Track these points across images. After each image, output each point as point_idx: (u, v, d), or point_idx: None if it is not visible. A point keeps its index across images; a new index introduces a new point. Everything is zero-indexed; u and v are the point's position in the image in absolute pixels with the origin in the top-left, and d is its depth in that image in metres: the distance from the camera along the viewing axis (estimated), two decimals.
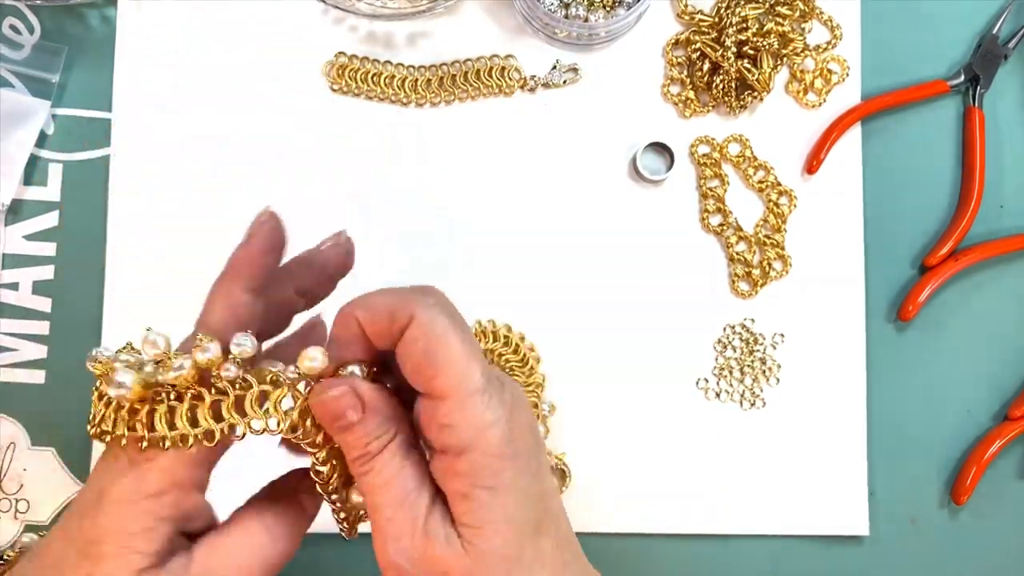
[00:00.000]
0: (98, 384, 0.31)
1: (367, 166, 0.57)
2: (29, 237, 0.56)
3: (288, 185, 0.57)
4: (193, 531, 0.32)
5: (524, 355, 0.56)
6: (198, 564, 0.31)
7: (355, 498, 0.32)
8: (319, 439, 0.31)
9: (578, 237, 0.58)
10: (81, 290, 0.56)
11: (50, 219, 0.57)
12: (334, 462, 0.31)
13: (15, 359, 0.56)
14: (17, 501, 0.55)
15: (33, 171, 0.57)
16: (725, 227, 0.58)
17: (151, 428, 0.30)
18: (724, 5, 0.58)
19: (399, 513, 0.30)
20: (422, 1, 0.56)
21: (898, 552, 0.58)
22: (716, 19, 0.58)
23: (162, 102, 0.57)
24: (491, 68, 0.58)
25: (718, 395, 0.57)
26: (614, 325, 0.57)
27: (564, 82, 0.58)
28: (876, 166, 0.59)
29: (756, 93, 0.58)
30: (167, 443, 0.30)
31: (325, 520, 0.34)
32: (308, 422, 0.30)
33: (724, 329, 0.58)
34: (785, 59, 0.59)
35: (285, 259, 0.35)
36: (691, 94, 0.58)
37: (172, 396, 0.30)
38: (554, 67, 0.58)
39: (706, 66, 0.58)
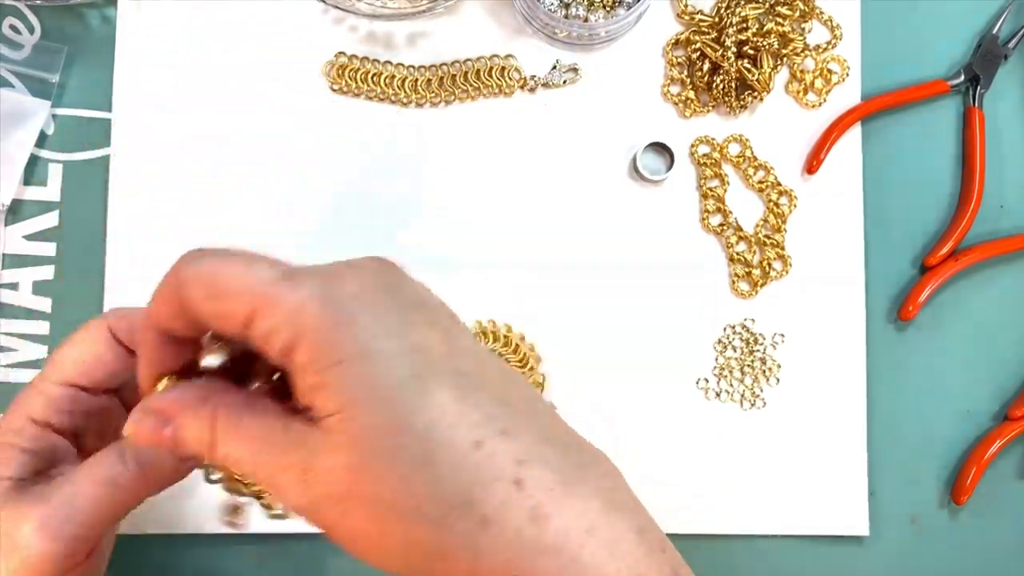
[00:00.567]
0: None
1: (367, 166, 0.57)
2: (29, 237, 0.56)
3: (288, 185, 0.57)
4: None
5: (524, 355, 0.56)
6: (56, 489, 0.35)
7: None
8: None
9: (578, 237, 0.58)
10: (81, 290, 0.56)
11: (50, 219, 0.57)
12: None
13: (15, 359, 0.56)
14: None
15: (33, 171, 0.57)
16: (725, 227, 0.58)
17: None
18: (724, 5, 0.58)
19: (271, 469, 0.27)
20: (422, 1, 0.56)
21: (898, 552, 0.58)
22: (716, 19, 0.58)
23: (162, 102, 0.57)
24: (491, 68, 0.58)
25: (718, 395, 0.57)
26: (614, 325, 0.57)
27: (564, 82, 0.58)
28: (876, 166, 0.59)
29: (756, 93, 0.58)
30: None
31: None
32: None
33: (724, 329, 0.58)
34: (785, 59, 0.59)
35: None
36: (691, 94, 0.58)
37: None
38: (554, 67, 0.58)
39: (706, 66, 0.58)
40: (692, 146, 0.59)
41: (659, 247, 0.58)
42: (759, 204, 0.59)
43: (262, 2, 0.58)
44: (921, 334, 0.59)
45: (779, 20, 0.58)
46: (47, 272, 0.56)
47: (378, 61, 0.58)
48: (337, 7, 0.56)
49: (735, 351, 0.58)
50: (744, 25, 0.57)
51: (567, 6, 0.57)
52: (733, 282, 0.58)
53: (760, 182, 0.59)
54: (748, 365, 0.57)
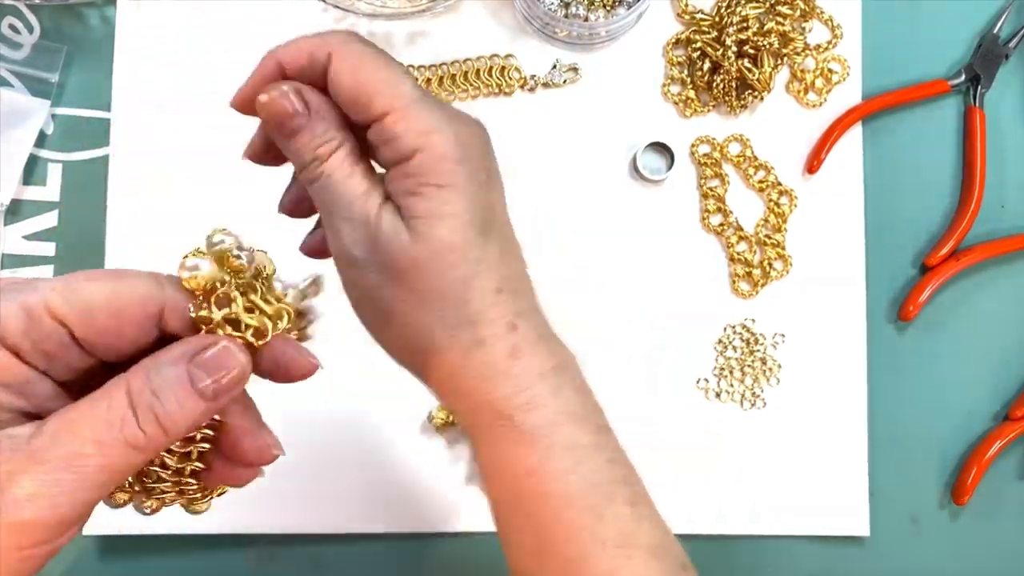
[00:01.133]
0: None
1: None
2: (29, 237, 0.56)
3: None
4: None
5: None
6: (47, 427, 0.28)
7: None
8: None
9: (578, 237, 0.57)
10: None
11: (50, 219, 0.57)
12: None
13: None
14: None
15: (33, 171, 0.57)
16: (725, 227, 0.58)
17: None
18: (724, 5, 0.58)
19: (352, 210, 0.32)
20: (422, 1, 0.56)
21: (898, 552, 0.58)
22: (716, 18, 0.58)
23: (162, 102, 0.57)
24: (491, 68, 0.58)
25: (718, 395, 0.57)
26: (614, 325, 0.57)
27: (564, 82, 0.58)
28: (877, 166, 0.59)
29: (756, 93, 0.58)
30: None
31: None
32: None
33: (724, 329, 0.58)
34: (785, 59, 0.58)
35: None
36: (691, 94, 0.58)
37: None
38: (554, 67, 0.58)
39: (706, 66, 0.58)
40: (692, 146, 0.59)
41: (659, 247, 0.58)
42: (759, 204, 0.59)
43: (262, 2, 0.58)
44: (921, 334, 0.59)
45: (779, 19, 0.58)
46: (46, 272, 0.56)
47: None
48: (337, 7, 0.56)
49: (735, 351, 0.58)
50: (744, 24, 0.57)
51: (567, 5, 0.57)
52: (733, 282, 0.58)
53: (760, 182, 0.59)
54: (748, 365, 0.57)
